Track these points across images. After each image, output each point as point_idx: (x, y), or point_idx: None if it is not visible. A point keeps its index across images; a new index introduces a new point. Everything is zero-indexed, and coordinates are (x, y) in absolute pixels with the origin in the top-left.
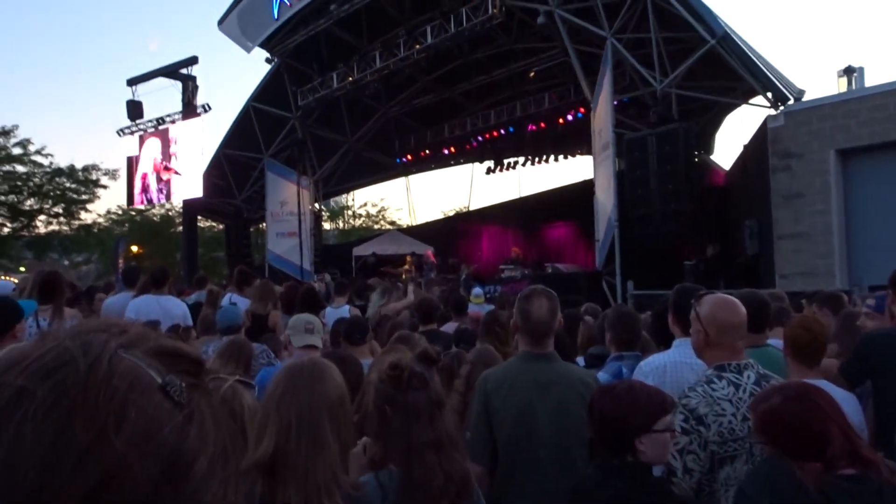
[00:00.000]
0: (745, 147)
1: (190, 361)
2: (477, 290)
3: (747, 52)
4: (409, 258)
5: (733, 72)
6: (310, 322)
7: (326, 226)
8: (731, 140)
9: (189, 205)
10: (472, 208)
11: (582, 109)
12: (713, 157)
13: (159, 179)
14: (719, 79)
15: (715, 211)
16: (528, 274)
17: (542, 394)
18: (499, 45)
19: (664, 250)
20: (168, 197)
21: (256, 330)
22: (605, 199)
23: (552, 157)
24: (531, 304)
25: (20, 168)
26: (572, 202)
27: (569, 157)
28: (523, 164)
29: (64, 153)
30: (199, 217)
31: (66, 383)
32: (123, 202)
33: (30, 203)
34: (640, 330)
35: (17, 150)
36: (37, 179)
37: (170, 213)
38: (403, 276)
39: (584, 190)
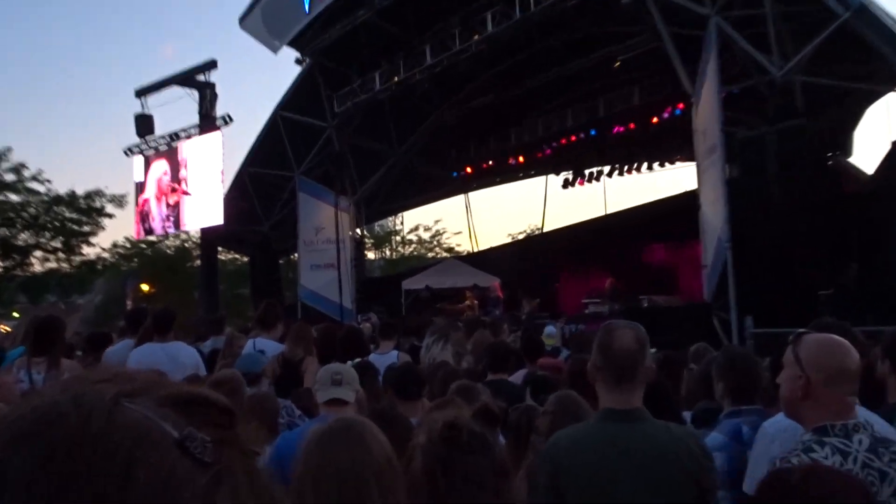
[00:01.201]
0: (895, 145)
1: (218, 411)
2: (550, 329)
3: (891, 25)
4: (469, 293)
5: (874, 52)
6: (338, 373)
7: (370, 255)
8: (874, 137)
9: (207, 234)
10: (546, 229)
11: (681, 105)
12: (851, 160)
13: (166, 204)
14: (856, 62)
15: (855, 226)
16: (618, 309)
17: (629, 466)
18: (575, 31)
19: (791, 276)
20: (177, 225)
21: (287, 381)
22: (713, 215)
23: (644, 164)
24: (612, 338)
25: (13, 197)
26: (671, 219)
27: (665, 164)
28: (609, 175)
29: (63, 178)
30: (220, 248)
31: (53, 445)
32: (132, 233)
33: (24, 237)
34: (760, 377)
35: (9, 177)
36: (32, 209)
37: (186, 245)
38: (466, 313)
39: (685, 204)
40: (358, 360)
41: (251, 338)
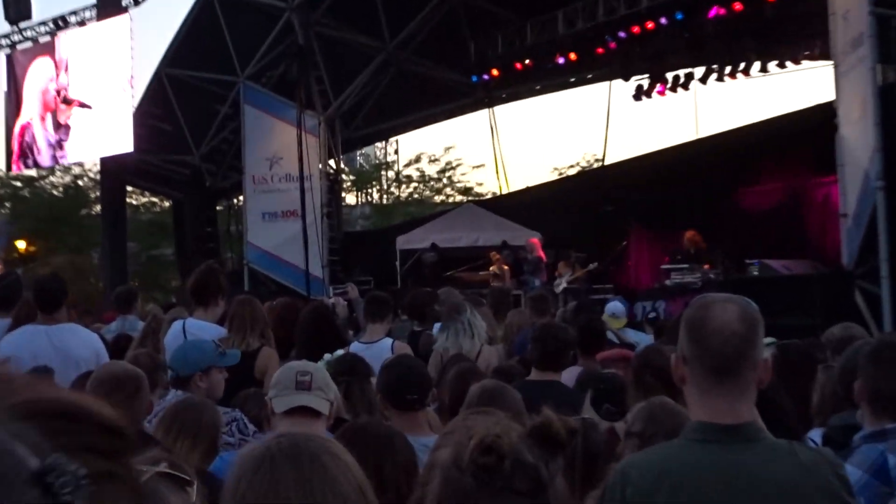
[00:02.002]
0: None
1: (100, 429)
2: (615, 304)
3: None
4: (495, 254)
5: None
6: (305, 372)
7: (350, 199)
8: None
9: (111, 168)
10: (609, 161)
11: None
12: None
13: (54, 124)
14: None
15: None
16: (715, 278)
17: None
18: None
19: None
20: (72, 155)
21: (237, 382)
22: (856, 140)
23: (755, 65)
24: (707, 317)
25: None
26: (794, 147)
27: (786, 63)
28: (702, 80)
29: None
30: (130, 189)
31: None
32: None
33: None
34: None
35: None
36: None
37: (80, 184)
38: (491, 284)
39: (815, 123)
40: (338, 352)
41: (178, 318)
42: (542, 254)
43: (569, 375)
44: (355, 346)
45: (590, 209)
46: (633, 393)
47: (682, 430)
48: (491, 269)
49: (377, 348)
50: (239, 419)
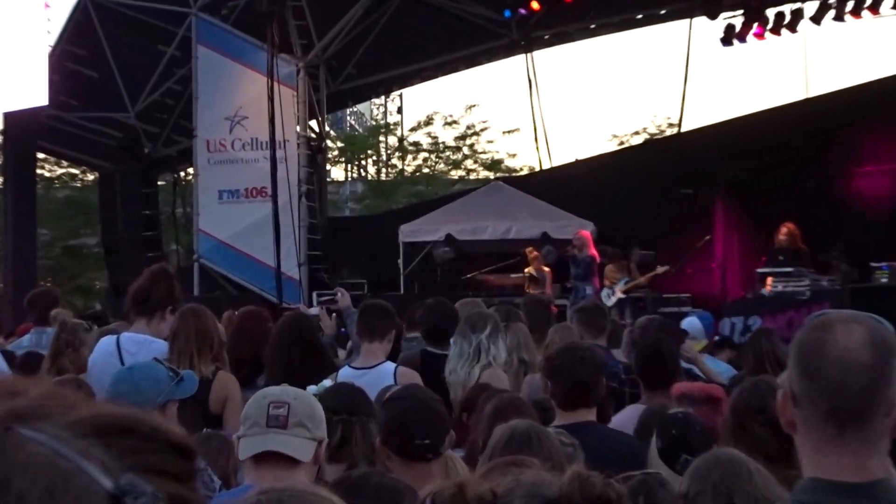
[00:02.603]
0: None
1: (170, 450)
2: (692, 321)
3: None
4: (533, 251)
5: None
6: (280, 402)
7: (338, 173)
8: None
9: (17, 125)
10: (686, 127)
11: None
12: None
13: None
14: None
15: None
16: (830, 286)
17: None
18: None
19: None
20: None
21: (186, 419)
22: None
23: None
24: (825, 341)
25: None
26: None
27: None
28: (815, 19)
29: None
30: (42, 156)
31: None
32: None
33: None
34: None
35: None
36: None
37: None
38: (528, 291)
39: None
40: (325, 382)
41: (111, 333)
42: (594, 251)
43: (627, 416)
44: (346, 374)
45: (660, 191)
46: (731, 444)
47: (793, 491)
48: (526, 270)
49: (375, 376)
50: (201, 471)
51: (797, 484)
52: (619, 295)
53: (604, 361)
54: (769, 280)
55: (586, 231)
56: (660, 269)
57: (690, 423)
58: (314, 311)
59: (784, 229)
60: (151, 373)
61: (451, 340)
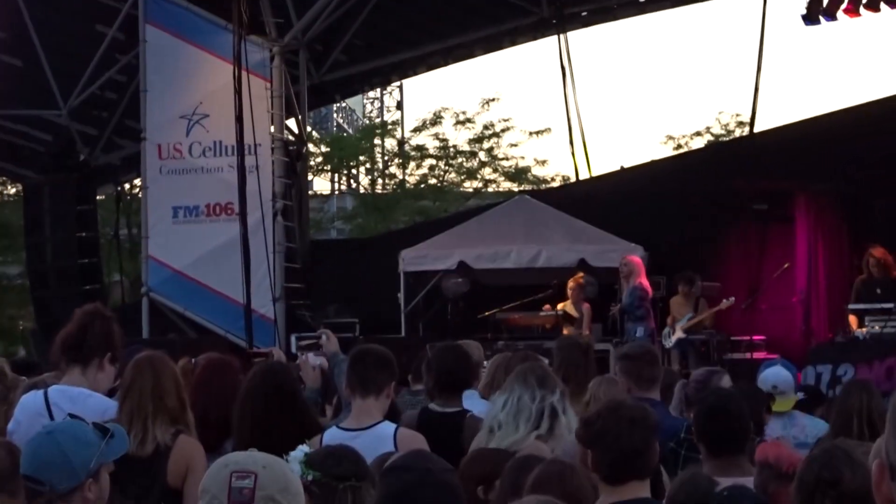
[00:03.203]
0: None
1: None
2: (776, 371)
3: None
4: (573, 281)
5: None
6: (243, 472)
7: (322, 184)
8: None
9: None
10: (759, 128)
11: None
12: None
13: None
14: None
15: None
16: None
17: None
18: None
19: None
20: None
21: (139, 496)
22: None
23: None
24: None
25: None
26: None
27: None
28: None
29: None
30: None
31: None
32: None
33: None
34: None
35: None
36: None
37: None
38: (565, 331)
39: None
40: (301, 448)
41: (39, 387)
42: (646, 282)
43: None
44: (333, 435)
45: (728, 207)
46: None
47: None
48: (560, 306)
49: (369, 439)
50: None
51: None
52: (680, 334)
53: (657, 422)
54: (865, 319)
55: (636, 256)
56: (724, 303)
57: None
58: (300, 359)
59: (874, 251)
60: (78, 433)
61: (469, 393)
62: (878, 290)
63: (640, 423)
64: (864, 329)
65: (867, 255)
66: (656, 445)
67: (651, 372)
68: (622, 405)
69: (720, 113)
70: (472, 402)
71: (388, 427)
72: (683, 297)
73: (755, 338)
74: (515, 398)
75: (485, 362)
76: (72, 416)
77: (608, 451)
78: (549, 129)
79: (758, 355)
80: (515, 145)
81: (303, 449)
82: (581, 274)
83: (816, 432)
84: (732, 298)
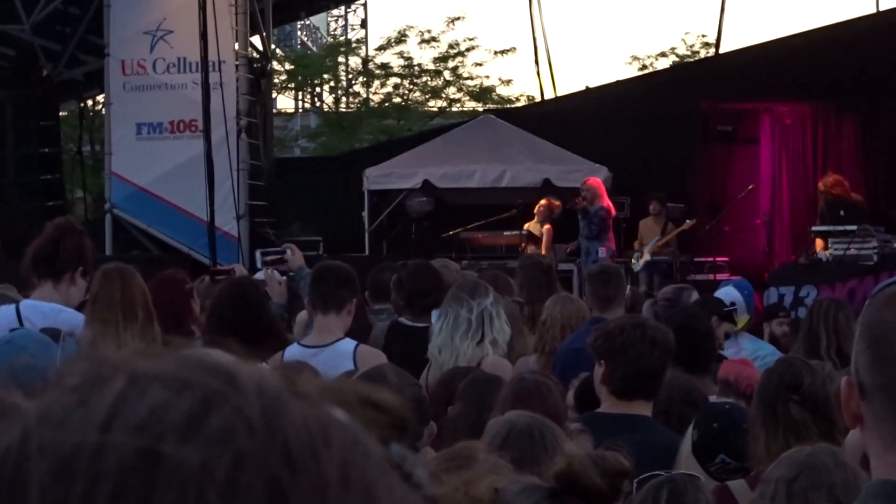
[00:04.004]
0: None
1: (399, 424)
2: (729, 291)
3: None
4: (543, 202)
5: None
6: None
7: (286, 102)
8: None
9: None
10: (724, 49)
11: None
12: None
13: None
14: None
15: None
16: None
17: None
18: None
19: None
20: None
21: None
22: None
23: None
24: None
25: None
26: None
27: None
28: None
29: None
30: None
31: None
32: None
33: None
34: None
35: None
36: None
37: None
38: (526, 251)
39: None
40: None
41: (10, 302)
42: (609, 203)
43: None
44: (294, 353)
45: (692, 129)
46: (760, 434)
47: (861, 496)
48: (526, 227)
49: (329, 356)
50: None
51: (865, 486)
52: (647, 257)
53: (674, 345)
54: (828, 241)
55: (597, 179)
56: (687, 224)
57: (737, 420)
58: (259, 274)
59: (826, 179)
60: (34, 337)
61: (436, 312)
62: (842, 213)
63: (661, 345)
64: (828, 251)
65: (826, 178)
66: (665, 371)
67: (614, 292)
68: (646, 323)
69: (686, 34)
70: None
71: (349, 344)
72: (653, 218)
73: (718, 259)
74: (452, 317)
75: None
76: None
77: (626, 366)
78: (515, 48)
79: (721, 277)
80: (480, 65)
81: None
82: (557, 202)
83: (756, 354)
84: (694, 220)
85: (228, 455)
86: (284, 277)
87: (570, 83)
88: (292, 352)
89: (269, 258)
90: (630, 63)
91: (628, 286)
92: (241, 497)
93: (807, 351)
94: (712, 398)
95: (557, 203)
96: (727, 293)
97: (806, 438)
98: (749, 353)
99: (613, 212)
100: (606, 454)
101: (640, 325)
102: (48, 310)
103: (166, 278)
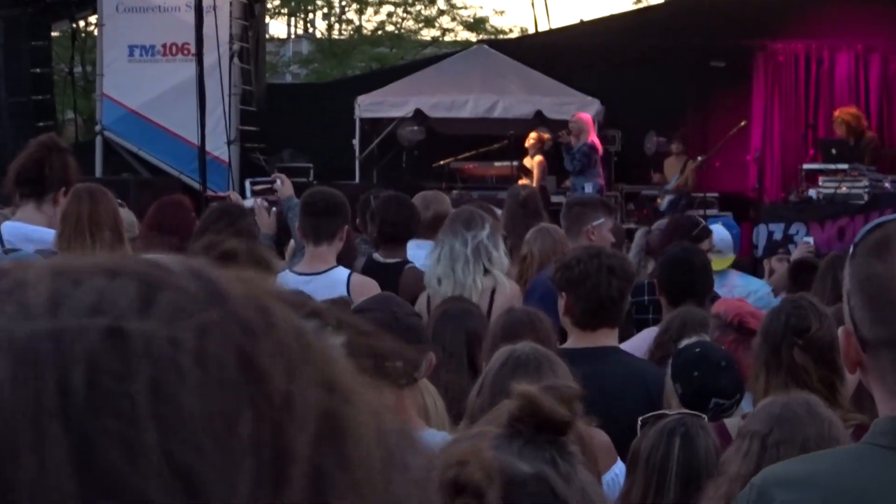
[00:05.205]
0: None
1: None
2: (717, 230)
3: None
4: (533, 135)
5: None
6: None
7: (279, 27)
8: None
9: None
10: None
11: None
12: None
13: None
14: None
15: None
16: (894, 188)
17: None
18: None
19: None
20: None
21: None
22: None
23: None
24: (893, 263)
25: None
26: None
27: None
28: None
29: None
30: None
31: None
32: None
33: None
34: None
35: None
36: None
37: None
38: (518, 180)
39: None
40: None
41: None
42: (595, 139)
43: (643, 341)
44: (287, 280)
45: (685, 64)
46: (761, 373)
47: (869, 432)
48: (524, 160)
49: (323, 283)
50: None
51: (875, 424)
52: (670, 195)
53: (634, 272)
54: (818, 179)
55: (586, 114)
56: (699, 160)
57: (715, 360)
58: (248, 202)
59: (840, 111)
60: (27, 258)
61: (413, 243)
62: (833, 150)
63: (618, 273)
64: (818, 189)
65: (834, 113)
66: (629, 295)
67: (584, 220)
68: (602, 252)
69: None
70: (418, 252)
71: (342, 272)
72: (676, 157)
73: (708, 195)
74: (448, 249)
75: None
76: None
77: (585, 297)
78: None
79: (710, 212)
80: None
81: None
82: (548, 135)
83: (748, 290)
84: (701, 158)
85: (191, 327)
86: (274, 208)
87: (563, 15)
88: (285, 278)
89: (258, 188)
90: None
91: (611, 220)
92: (213, 363)
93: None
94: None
95: (548, 136)
96: (716, 232)
97: (805, 383)
98: (742, 291)
99: (600, 148)
100: (557, 383)
101: (597, 254)
102: (29, 231)
103: (171, 202)
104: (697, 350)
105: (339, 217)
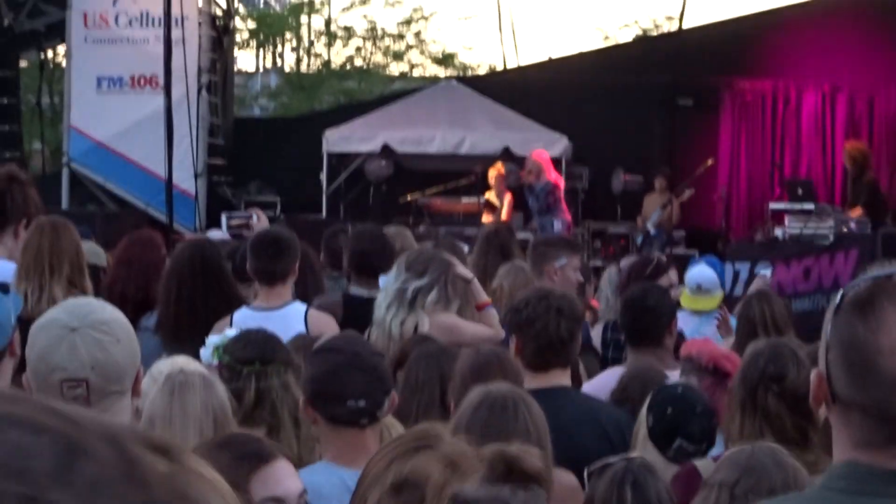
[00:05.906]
0: None
1: None
2: (701, 271)
3: None
4: (498, 169)
5: None
6: (73, 379)
7: (247, 60)
8: None
9: None
10: (687, 24)
11: None
12: None
13: None
14: None
15: None
16: (858, 228)
17: None
18: None
19: None
20: None
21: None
22: None
23: None
24: (881, 347)
25: None
26: None
27: None
28: None
29: None
30: None
31: None
32: None
33: None
34: None
35: None
36: None
37: None
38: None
39: None
40: (228, 332)
41: None
42: (555, 177)
43: (605, 381)
44: (242, 316)
45: (654, 102)
46: (737, 415)
47: (824, 476)
48: (487, 195)
49: (280, 319)
50: None
51: (830, 468)
52: (651, 231)
53: (583, 313)
54: (785, 218)
55: (541, 151)
56: (686, 194)
57: (691, 403)
58: (215, 234)
59: (849, 146)
60: None
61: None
62: (799, 190)
63: (567, 314)
64: (784, 229)
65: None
66: (580, 336)
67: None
68: (550, 294)
69: (649, 7)
70: None
71: (299, 307)
72: (659, 193)
73: (676, 233)
74: (382, 292)
75: None
76: None
77: (535, 339)
78: (477, 14)
79: (676, 251)
80: (443, 30)
81: (228, 334)
82: (501, 163)
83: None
84: (693, 189)
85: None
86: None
87: (532, 52)
88: (242, 314)
89: (234, 222)
90: (594, 35)
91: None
92: None
93: (742, 340)
94: (675, 374)
95: (503, 171)
96: (701, 271)
97: (779, 428)
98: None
99: (561, 185)
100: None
101: (545, 296)
102: None
103: (142, 238)
104: (679, 390)
105: (290, 257)
